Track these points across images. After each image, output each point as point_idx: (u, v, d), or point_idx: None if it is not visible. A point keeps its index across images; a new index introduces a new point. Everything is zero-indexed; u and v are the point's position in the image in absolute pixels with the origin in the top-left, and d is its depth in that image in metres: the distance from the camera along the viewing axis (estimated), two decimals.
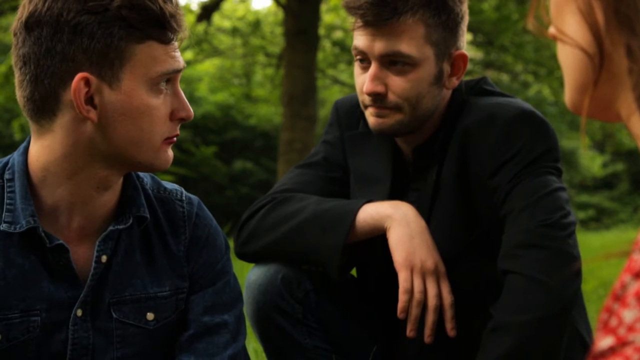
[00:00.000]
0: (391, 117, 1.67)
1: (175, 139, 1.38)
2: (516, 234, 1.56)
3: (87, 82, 1.27)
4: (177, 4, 1.33)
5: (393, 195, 1.75)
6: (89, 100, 1.28)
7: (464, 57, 1.69)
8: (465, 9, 1.69)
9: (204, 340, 1.44)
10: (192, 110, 1.38)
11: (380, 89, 1.65)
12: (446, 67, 1.68)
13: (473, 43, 12.71)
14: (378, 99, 1.66)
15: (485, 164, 1.63)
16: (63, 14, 1.25)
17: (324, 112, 14.44)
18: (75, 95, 1.26)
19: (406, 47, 1.62)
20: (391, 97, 1.66)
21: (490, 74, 13.07)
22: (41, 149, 1.33)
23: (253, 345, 2.48)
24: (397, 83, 1.65)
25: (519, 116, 1.64)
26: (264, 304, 1.72)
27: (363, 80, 1.67)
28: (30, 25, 1.27)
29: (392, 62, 1.64)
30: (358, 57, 1.68)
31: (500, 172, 1.61)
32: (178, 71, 1.34)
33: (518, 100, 1.70)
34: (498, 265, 1.57)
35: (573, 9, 0.68)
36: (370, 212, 1.65)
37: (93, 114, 1.28)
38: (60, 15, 1.25)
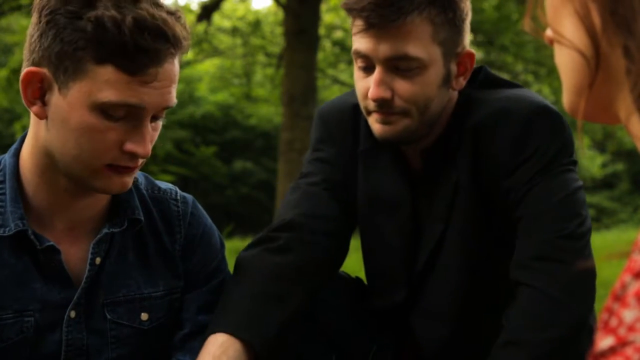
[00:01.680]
0: (398, 123, 1.56)
1: (125, 169, 1.31)
2: (531, 243, 1.51)
3: (40, 78, 1.26)
4: (165, 39, 1.24)
5: (413, 216, 1.69)
6: (42, 96, 1.27)
7: (470, 56, 1.60)
8: (469, 5, 1.60)
9: (199, 339, 1.43)
10: (148, 149, 1.30)
11: (386, 94, 1.53)
12: (453, 67, 1.58)
13: (473, 43, 12.71)
14: (384, 104, 1.55)
15: (500, 163, 1.57)
16: (45, 7, 1.25)
17: None
18: (22, 84, 1.26)
19: (413, 48, 1.51)
20: (398, 102, 1.54)
21: None
22: (27, 145, 1.35)
23: None
24: (405, 87, 1.53)
25: (535, 112, 1.56)
26: None
27: (365, 85, 1.56)
28: (34, 7, 1.28)
29: (398, 65, 1.53)
30: (359, 61, 1.56)
31: (516, 173, 1.55)
32: (136, 107, 1.25)
33: (527, 92, 1.63)
34: (511, 274, 1.53)
35: (570, 11, 0.67)
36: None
37: (37, 109, 1.28)
38: (43, 7, 1.25)
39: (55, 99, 1.26)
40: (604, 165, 19.76)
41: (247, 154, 15.82)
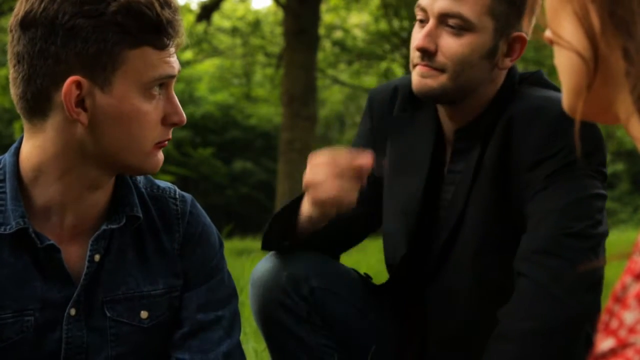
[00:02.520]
0: (435, 79, 1.63)
1: (166, 142, 1.38)
2: (537, 237, 1.53)
3: (78, 85, 1.26)
4: (175, 9, 1.32)
5: (430, 178, 1.74)
6: (80, 103, 1.28)
7: (522, 40, 1.66)
8: None
9: (198, 337, 1.44)
10: (184, 116, 1.37)
11: (431, 46, 1.63)
12: (502, 46, 1.65)
13: None
14: (426, 56, 1.64)
15: (526, 156, 1.60)
16: (58, 16, 1.24)
17: (324, 112, 14.46)
18: (65, 98, 1.26)
19: (467, 10, 1.60)
20: (440, 58, 1.63)
21: None
22: (33, 149, 1.33)
23: (253, 344, 2.48)
24: (449, 44, 1.62)
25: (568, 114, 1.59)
26: (269, 301, 1.71)
27: (417, 37, 1.65)
28: (26, 24, 1.26)
29: (448, 22, 1.62)
30: (419, 14, 1.66)
31: (538, 168, 1.58)
32: (171, 77, 1.34)
33: None
34: (514, 265, 1.55)
35: (569, 12, 0.67)
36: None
37: (83, 117, 1.28)
38: (55, 17, 1.24)
39: (100, 99, 1.28)
40: None
41: (247, 154, 15.82)
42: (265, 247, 1.79)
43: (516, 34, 1.65)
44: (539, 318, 1.47)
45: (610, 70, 0.66)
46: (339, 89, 15.74)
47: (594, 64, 0.66)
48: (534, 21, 1.69)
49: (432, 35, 1.63)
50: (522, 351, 1.46)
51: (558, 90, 1.70)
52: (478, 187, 1.66)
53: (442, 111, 1.74)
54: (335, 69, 14.95)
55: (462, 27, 1.61)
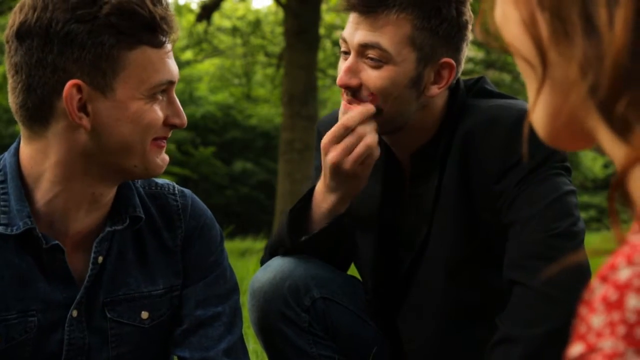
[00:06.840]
0: None
1: (164, 141, 1.37)
2: (524, 243, 1.53)
3: (79, 89, 1.26)
4: (166, 5, 1.32)
5: (385, 205, 1.73)
6: (82, 108, 1.27)
7: (450, 66, 1.61)
8: (464, 20, 1.61)
9: (198, 334, 1.43)
10: (185, 118, 1.37)
11: (352, 82, 1.60)
12: (428, 74, 1.60)
13: (474, 42, 12.69)
14: (350, 92, 1.62)
15: (490, 169, 1.59)
16: (52, 24, 1.24)
17: (324, 112, 14.44)
18: (67, 102, 1.26)
19: (386, 41, 1.56)
20: (364, 92, 1.60)
21: (492, 74, 13.06)
22: (34, 153, 1.33)
23: (253, 346, 2.47)
24: (371, 77, 1.58)
25: (522, 118, 1.58)
26: (269, 312, 1.68)
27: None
28: (21, 35, 1.26)
29: (368, 54, 1.58)
30: (342, 47, 1.64)
31: (506, 178, 1.57)
32: (172, 83, 1.34)
33: (520, 102, 1.66)
34: (504, 274, 1.54)
35: (516, 19, 0.66)
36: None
37: (86, 122, 1.28)
38: (49, 25, 1.24)
39: (102, 104, 1.28)
40: (605, 166, 19.76)
41: (247, 154, 15.77)
42: (273, 248, 1.76)
43: (444, 60, 1.60)
44: (545, 323, 1.46)
45: (560, 77, 0.64)
46: (339, 89, 15.67)
47: (543, 71, 0.64)
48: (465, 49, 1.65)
49: (353, 70, 1.60)
50: (531, 351, 1.45)
51: (504, 96, 1.69)
52: (441, 209, 1.65)
53: (387, 139, 1.72)
54: (335, 69, 14.93)
55: (381, 59, 1.57)
